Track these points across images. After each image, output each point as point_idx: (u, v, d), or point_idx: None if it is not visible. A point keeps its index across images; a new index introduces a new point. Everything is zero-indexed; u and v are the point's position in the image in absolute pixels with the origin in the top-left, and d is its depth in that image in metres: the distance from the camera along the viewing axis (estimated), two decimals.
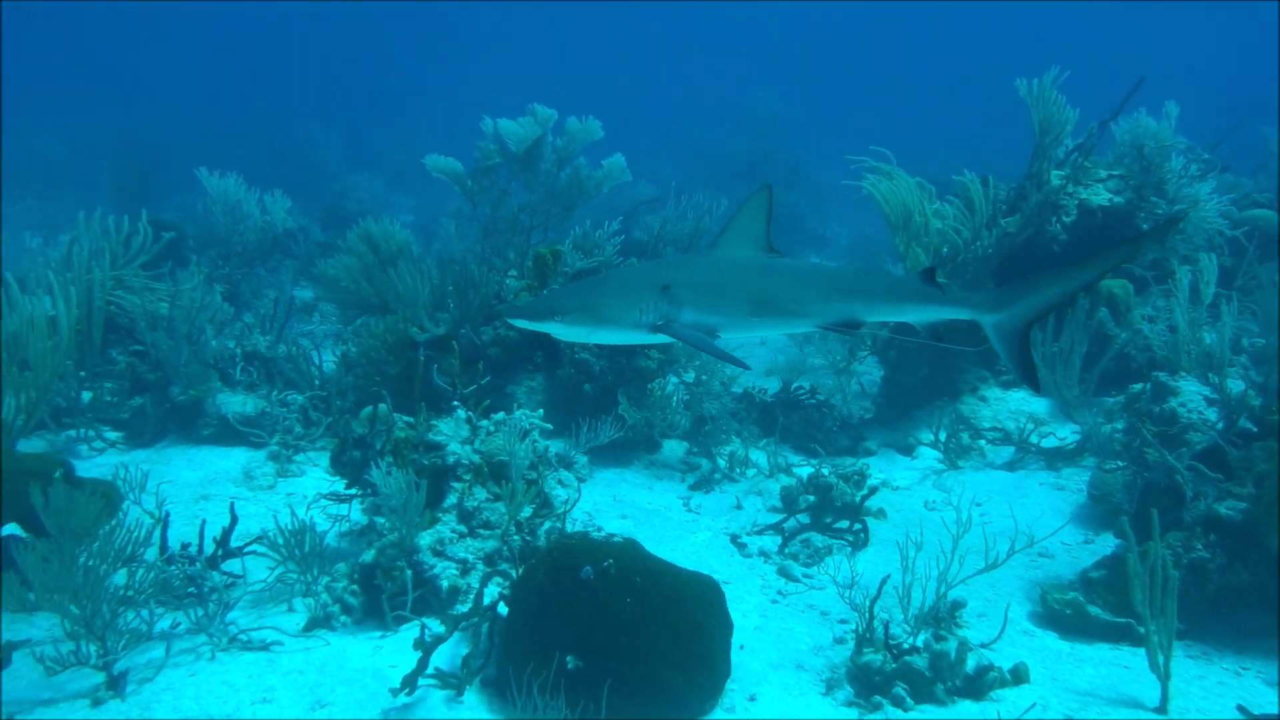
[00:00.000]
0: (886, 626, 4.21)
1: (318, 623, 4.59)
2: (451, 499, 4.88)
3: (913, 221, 7.21)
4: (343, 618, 4.62)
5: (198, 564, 4.69)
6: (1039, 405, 7.83)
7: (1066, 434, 7.34)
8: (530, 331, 4.48)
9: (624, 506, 6.47)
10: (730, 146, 24.61)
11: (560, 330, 4.12)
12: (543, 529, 4.96)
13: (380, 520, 5.00)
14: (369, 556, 4.75)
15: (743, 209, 4.31)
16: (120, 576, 4.21)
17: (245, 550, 5.14)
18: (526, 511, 4.98)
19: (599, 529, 5.57)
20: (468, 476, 4.96)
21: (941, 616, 4.50)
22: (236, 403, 7.30)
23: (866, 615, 4.25)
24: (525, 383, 7.20)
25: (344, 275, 7.24)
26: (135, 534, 4.15)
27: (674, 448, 7.57)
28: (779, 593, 5.19)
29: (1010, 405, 7.89)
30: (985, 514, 6.18)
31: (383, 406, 5.48)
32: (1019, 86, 7.71)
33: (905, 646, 4.15)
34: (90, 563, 3.95)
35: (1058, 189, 8.11)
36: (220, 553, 5.07)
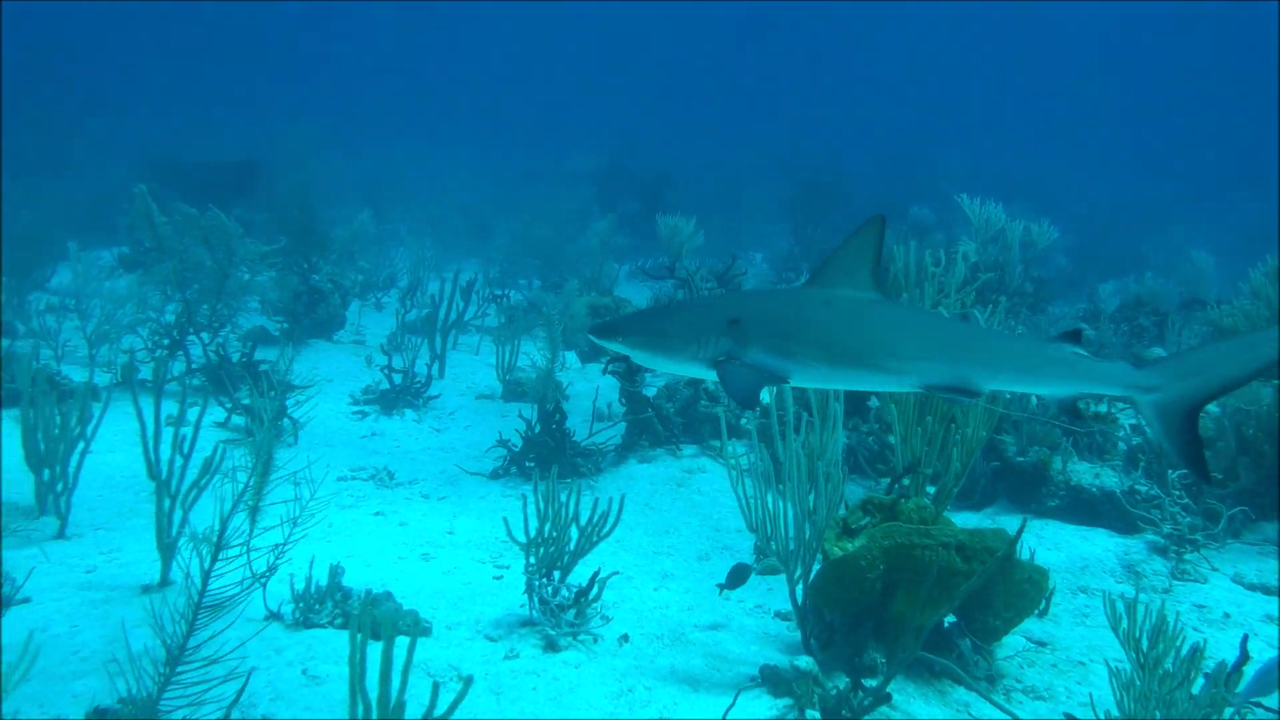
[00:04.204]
0: None
1: None
2: None
3: None
4: None
5: None
6: None
7: None
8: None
9: None
10: None
11: (628, 352, 3.78)
12: None
13: None
14: None
15: (848, 241, 3.60)
16: None
17: None
18: None
19: None
20: None
21: None
22: (1086, 472, 6.17)
23: None
24: None
25: (1244, 324, 5.64)
26: None
27: None
28: None
29: None
30: None
31: None
32: None
33: None
34: None
35: None
36: None
